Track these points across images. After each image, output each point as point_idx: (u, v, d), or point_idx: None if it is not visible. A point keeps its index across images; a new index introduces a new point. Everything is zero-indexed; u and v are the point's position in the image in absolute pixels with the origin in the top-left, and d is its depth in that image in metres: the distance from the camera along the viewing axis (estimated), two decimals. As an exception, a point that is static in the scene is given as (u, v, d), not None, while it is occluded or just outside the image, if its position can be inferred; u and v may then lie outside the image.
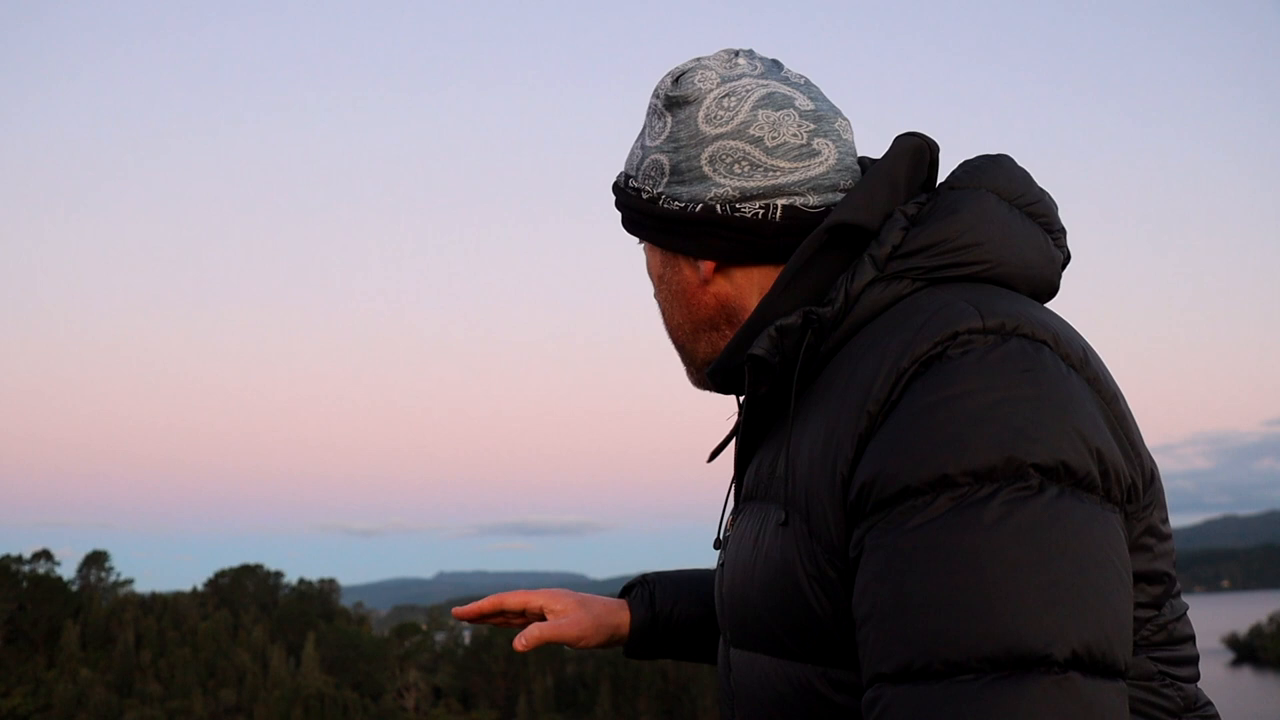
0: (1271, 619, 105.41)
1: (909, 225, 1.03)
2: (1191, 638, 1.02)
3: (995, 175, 1.07)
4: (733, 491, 1.22)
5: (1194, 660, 1.02)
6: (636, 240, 1.22)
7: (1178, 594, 1.02)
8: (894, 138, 1.14)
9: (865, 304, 1.01)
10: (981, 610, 0.82)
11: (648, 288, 1.26)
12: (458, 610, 1.46)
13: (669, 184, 1.15)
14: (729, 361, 1.11)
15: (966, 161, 1.11)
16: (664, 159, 1.15)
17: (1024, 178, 1.09)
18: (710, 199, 1.12)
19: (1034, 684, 0.80)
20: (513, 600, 1.45)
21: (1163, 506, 0.98)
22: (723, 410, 1.28)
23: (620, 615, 1.46)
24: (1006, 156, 1.11)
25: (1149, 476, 0.96)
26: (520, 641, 1.35)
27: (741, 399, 1.18)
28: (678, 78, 1.16)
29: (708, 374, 1.15)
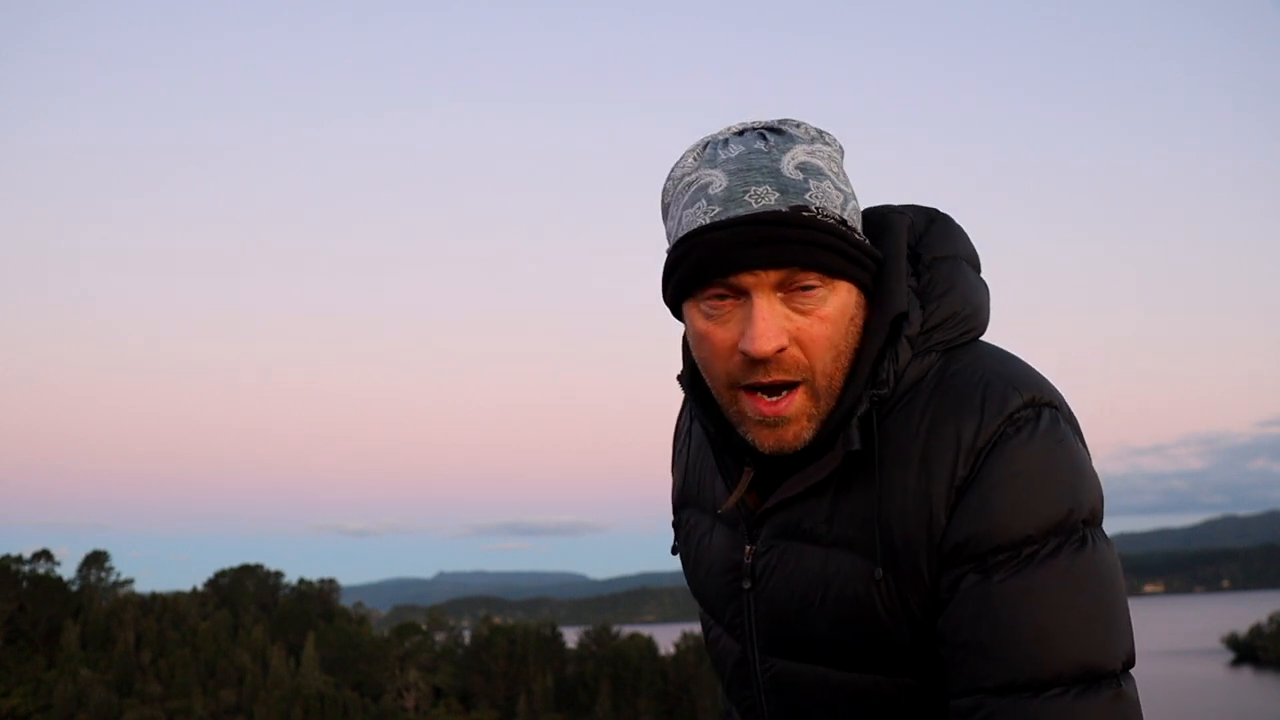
0: (1271, 619, 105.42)
1: (921, 303, 1.21)
2: None
3: (957, 243, 1.26)
4: (743, 518, 1.28)
5: None
6: (811, 280, 1.15)
7: None
8: (885, 214, 1.26)
9: (907, 379, 1.19)
10: (1063, 639, 1.10)
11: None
12: None
13: (864, 231, 1.24)
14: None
15: (923, 232, 1.26)
16: (860, 208, 1.22)
17: (968, 238, 1.29)
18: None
19: (1105, 693, 1.10)
20: None
21: None
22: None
23: None
24: (949, 218, 1.29)
25: None
26: None
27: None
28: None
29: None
